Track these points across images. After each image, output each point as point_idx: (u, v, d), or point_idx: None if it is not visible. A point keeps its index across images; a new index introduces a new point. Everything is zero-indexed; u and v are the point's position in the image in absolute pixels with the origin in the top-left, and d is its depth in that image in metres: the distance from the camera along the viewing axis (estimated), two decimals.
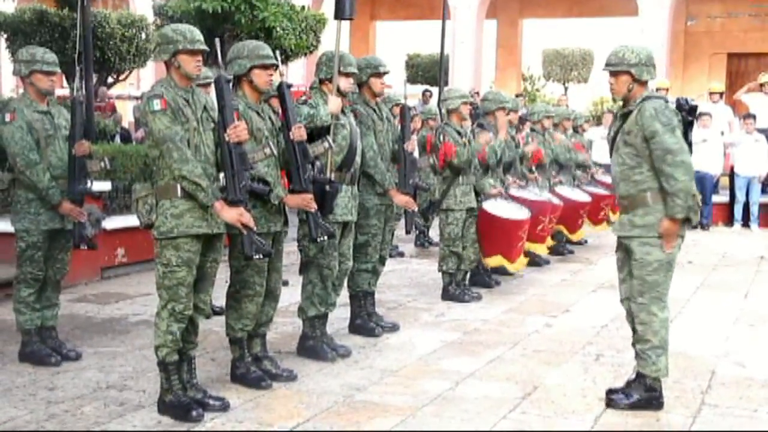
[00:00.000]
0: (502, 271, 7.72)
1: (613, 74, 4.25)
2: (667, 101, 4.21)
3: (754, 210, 11.99)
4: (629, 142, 4.19)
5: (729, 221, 12.26)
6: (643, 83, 4.23)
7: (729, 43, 20.17)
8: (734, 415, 4.27)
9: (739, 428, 4.12)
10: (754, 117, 12.17)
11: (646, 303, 4.22)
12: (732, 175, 12.24)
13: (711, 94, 13.40)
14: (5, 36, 12.41)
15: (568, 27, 24.75)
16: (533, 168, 8.39)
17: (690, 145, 4.22)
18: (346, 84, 5.05)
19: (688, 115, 4.23)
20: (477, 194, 6.94)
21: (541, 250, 8.05)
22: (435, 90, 16.43)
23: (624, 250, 4.33)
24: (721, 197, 12.60)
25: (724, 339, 5.81)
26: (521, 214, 7.10)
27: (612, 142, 4.35)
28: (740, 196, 12.02)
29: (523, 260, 7.35)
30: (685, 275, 8.32)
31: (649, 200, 4.16)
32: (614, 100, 4.35)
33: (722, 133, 12.64)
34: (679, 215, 4.07)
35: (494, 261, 7.15)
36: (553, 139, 9.07)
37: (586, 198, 9.05)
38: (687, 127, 4.22)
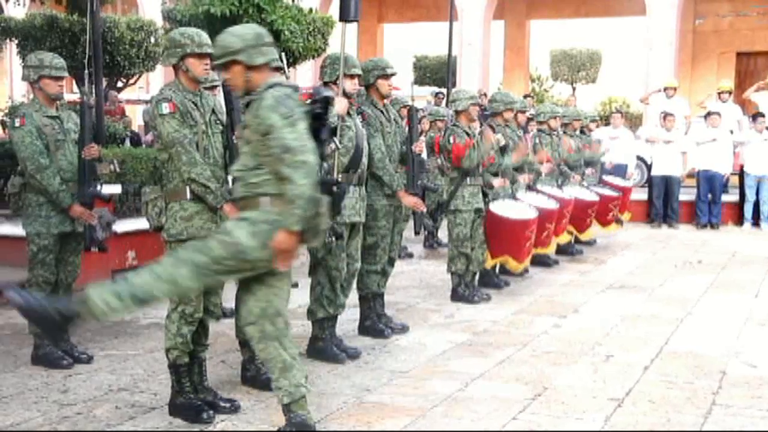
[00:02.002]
0: (510, 271, 7.71)
1: (225, 67, 3.62)
2: (296, 89, 3.54)
3: (765, 209, 11.93)
4: (248, 138, 3.54)
5: (739, 220, 12.21)
6: (261, 68, 3.57)
7: (737, 42, 20.10)
8: (746, 416, 4.26)
9: (752, 428, 4.11)
10: (763, 116, 12.12)
11: (183, 256, 3.52)
12: (742, 174, 12.20)
13: (720, 93, 13.35)
14: (16, 41, 12.48)
15: (575, 27, 24.74)
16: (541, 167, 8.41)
17: (320, 142, 3.53)
18: (350, 85, 5.07)
19: (321, 107, 3.53)
20: (485, 195, 6.95)
21: (548, 250, 8.05)
22: (446, 92, 16.43)
23: None
24: (731, 196, 12.56)
25: (734, 339, 5.79)
26: (528, 213, 7.09)
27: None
28: (750, 196, 11.97)
29: (527, 261, 7.35)
30: (694, 275, 8.31)
31: (263, 205, 3.49)
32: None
33: (731, 132, 12.60)
34: (295, 226, 3.34)
35: (500, 261, 7.15)
36: (562, 143, 9.06)
37: (594, 198, 9.04)
38: (320, 122, 3.53)
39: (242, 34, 3.59)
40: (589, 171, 9.72)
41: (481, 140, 6.68)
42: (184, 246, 3.64)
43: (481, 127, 7.51)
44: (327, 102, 3.52)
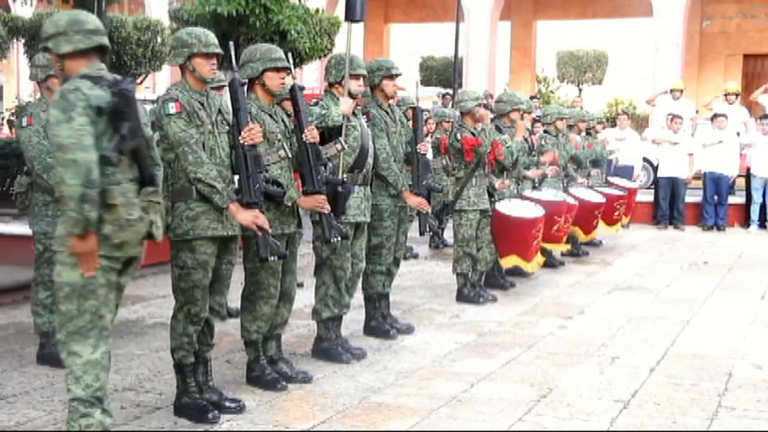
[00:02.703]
0: (516, 272, 7.71)
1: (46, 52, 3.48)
2: (99, 81, 3.28)
3: None
4: None
5: (745, 222, 12.18)
6: (73, 57, 3.34)
7: (745, 44, 20.05)
8: (752, 418, 4.24)
9: (758, 430, 4.09)
10: None
11: (64, 340, 3.34)
12: (748, 176, 12.17)
13: (727, 95, 13.32)
14: (23, 41, 12.52)
15: (582, 28, 24.69)
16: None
17: (122, 137, 3.26)
18: (355, 86, 5.07)
19: (121, 101, 3.26)
20: (490, 195, 6.94)
21: (560, 248, 8.00)
22: (452, 92, 16.44)
23: None
24: (737, 198, 12.53)
25: (740, 340, 5.77)
26: (535, 212, 7.08)
27: None
28: (756, 198, 11.93)
29: (539, 260, 7.34)
30: (700, 276, 8.29)
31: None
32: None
33: (738, 134, 12.57)
34: (75, 229, 3.14)
35: (510, 261, 7.14)
36: (569, 140, 9.06)
37: (601, 199, 9.02)
38: (120, 116, 3.26)
39: (57, 20, 3.38)
40: (594, 172, 9.70)
41: (515, 133, 6.81)
42: (60, 325, 3.39)
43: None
44: (125, 96, 3.28)
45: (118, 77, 3.39)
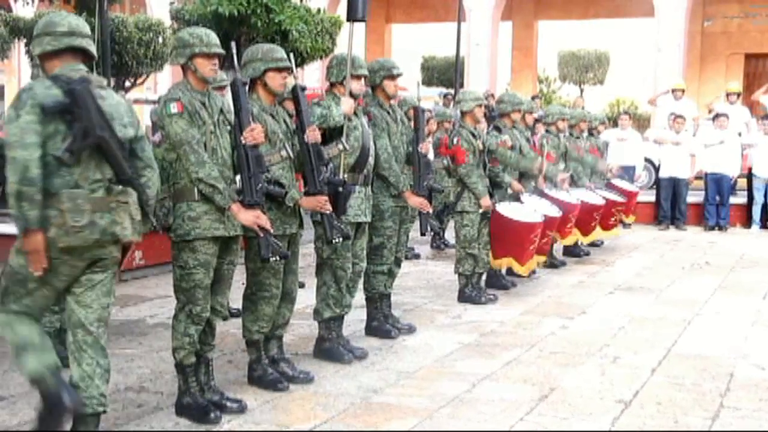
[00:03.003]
0: (516, 272, 7.69)
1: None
2: (59, 80, 3.32)
3: None
4: None
5: (747, 223, 12.17)
6: (49, 58, 3.43)
7: (746, 44, 20.05)
8: (754, 418, 4.24)
9: (760, 430, 4.09)
10: None
11: None
12: (750, 176, 12.16)
13: (728, 94, 13.31)
14: (24, 41, 12.53)
15: (583, 28, 24.72)
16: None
17: (74, 138, 3.26)
18: (357, 86, 5.07)
19: (68, 99, 3.27)
20: (491, 196, 6.94)
21: (538, 260, 7.92)
22: (454, 92, 16.45)
23: None
24: (739, 198, 12.51)
25: (742, 341, 5.77)
26: (534, 217, 7.07)
27: None
28: (758, 198, 11.92)
29: (531, 264, 7.31)
30: (702, 276, 8.29)
31: None
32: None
33: (740, 134, 12.56)
34: (18, 226, 3.21)
35: (504, 263, 7.13)
36: (572, 147, 9.05)
37: (600, 201, 9.01)
38: (71, 114, 3.29)
39: (38, 24, 3.47)
40: (601, 166, 9.69)
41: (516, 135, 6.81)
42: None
43: (488, 128, 7.51)
44: (73, 95, 3.27)
45: (76, 77, 3.38)
